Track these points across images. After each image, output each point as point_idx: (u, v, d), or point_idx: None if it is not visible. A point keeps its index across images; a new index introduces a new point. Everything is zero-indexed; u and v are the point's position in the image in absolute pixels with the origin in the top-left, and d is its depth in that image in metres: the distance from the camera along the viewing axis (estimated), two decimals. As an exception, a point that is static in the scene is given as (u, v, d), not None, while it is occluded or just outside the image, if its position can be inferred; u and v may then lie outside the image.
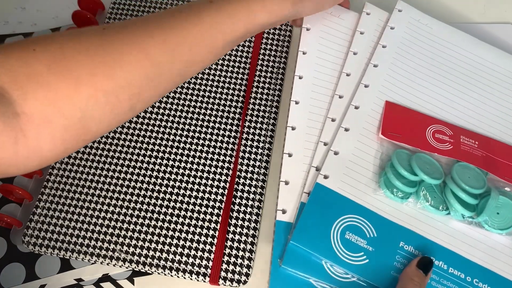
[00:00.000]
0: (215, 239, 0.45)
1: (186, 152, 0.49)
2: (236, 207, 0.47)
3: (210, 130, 0.50)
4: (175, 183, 0.48)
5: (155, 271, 0.44)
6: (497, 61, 0.49)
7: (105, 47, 0.33)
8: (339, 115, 0.45)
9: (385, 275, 0.38)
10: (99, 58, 0.32)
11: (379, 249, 0.39)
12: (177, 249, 0.45)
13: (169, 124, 0.51)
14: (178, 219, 0.46)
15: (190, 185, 0.48)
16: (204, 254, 0.45)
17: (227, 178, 0.48)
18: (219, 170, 0.48)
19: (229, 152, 0.49)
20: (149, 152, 0.49)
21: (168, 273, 0.44)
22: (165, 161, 0.49)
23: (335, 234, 0.39)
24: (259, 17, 0.39)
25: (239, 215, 0.47)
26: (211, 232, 0.46)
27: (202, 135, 0.50)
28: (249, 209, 0.47)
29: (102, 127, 0.34)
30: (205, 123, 0.51)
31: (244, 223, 0.46)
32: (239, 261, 0.45)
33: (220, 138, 0.50)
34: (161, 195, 0.47)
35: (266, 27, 0.40)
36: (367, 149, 0.43)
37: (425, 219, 0.41)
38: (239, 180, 0.48)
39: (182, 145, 0.50)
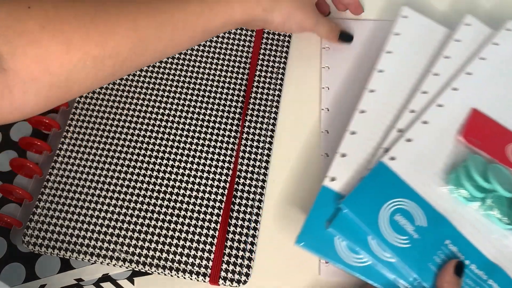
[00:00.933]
0: (215, 239, 0.45)
1: (186, 152, 0.49)
2: (236, 207, 0.47)
3: (210, 130, 0.50)
4: (175, 183, 0.48)
5: (155, 271, 0.44)
6: None
7: (99, 15, 0.34)
8: (418, 108, 0.46)
9: (422, 264, 0.39)
10: (93, 26, 0.33)
11: (424, 239, 0.40)
12: (177, 249, 0.45)
13: (169, 124, 0.51)
14: (178, 219, 0.46)
15: (190, 185, 0.48)
16: (204, 254, 0.45)
17: (227, 178, 0.48)
18: (219, 170, 0.48)
19: (229, 152, 0.49)
20: (149, 152, 0.49)
21: (168, 273, 0.44)
22: (165, 161, 0.49)
23: (385, 211, 0.40)
24: (236, 11, 0.41)
25: (239, 215, 0.47)
26: (211, 232, 0.46)
27: (202, 135, 0.50)
28: (249, 209, 0.47)
29: (82, 89, 0.35)
30: (205, 123, 0.51)
31: (244, 223, 0.46)
32: (239, 261, 0.45)
33: (220, 138, 0.50)
34: (161, 195, 0.47)
35: (240, 24, 0.43)
36: (442, 146, 0.44)
37: (480, 227, 0.41)
38: (239, 180, 0.48)
39: (182, 145, 0.50)
